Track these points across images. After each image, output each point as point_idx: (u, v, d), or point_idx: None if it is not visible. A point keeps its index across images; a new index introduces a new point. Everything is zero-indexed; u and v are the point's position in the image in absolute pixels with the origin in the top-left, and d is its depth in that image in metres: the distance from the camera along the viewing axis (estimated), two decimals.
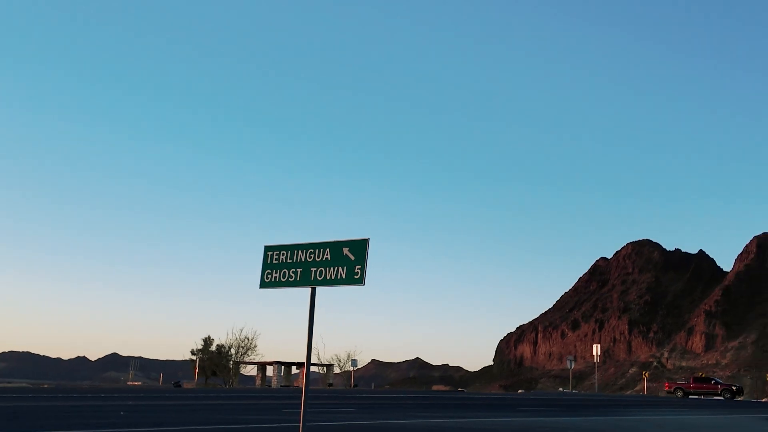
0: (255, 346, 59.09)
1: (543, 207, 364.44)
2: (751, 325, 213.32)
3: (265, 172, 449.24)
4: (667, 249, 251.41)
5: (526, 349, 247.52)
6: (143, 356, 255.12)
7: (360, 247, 10.63)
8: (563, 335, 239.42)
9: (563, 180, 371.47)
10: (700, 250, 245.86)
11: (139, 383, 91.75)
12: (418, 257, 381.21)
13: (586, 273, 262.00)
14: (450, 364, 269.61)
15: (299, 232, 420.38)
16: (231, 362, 57.94)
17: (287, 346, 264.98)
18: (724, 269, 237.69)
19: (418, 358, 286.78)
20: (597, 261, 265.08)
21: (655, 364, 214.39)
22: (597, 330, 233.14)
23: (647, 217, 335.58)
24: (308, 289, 11.20)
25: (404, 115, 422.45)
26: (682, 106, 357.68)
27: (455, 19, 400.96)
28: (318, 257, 11.11)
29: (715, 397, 54.51)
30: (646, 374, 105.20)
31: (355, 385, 68.06)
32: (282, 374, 58.09)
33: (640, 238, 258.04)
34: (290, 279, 11.39)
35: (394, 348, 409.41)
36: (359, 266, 10.57)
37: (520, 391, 78.38)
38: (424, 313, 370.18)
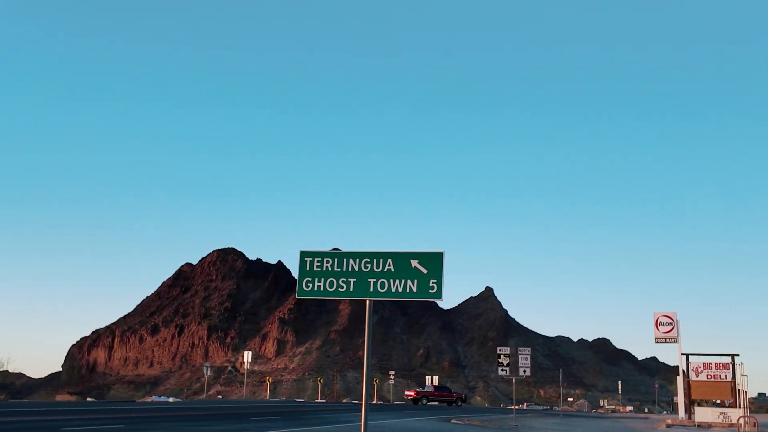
0: None
1: (127, 210, 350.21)
2: (317, 332, 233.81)
3: None
4: (250, 258, 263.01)
5: (100, 355, 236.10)
6: None
7: (435, 261, 10.47)
8: (142, 340, 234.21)
9: (151, 185, 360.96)
10: (279, 261, 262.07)
11: None
12: None
13: (170, 278, 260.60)
14: (9, 371, 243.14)
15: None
16: None
17: None
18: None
19: None
20: (182, 266, 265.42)
21: (229, 368, 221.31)
22: (176, 335, 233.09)
23: (233, 227, 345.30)
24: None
25: None
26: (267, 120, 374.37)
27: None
28: (377, 267, 10.62)
29: (451, 404, 59.79)
30: (269, 378, 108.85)
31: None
32: None
33: (226, 246, 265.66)
34: (340, 289, 10.67)
35: None
36: (434, 280, 10.42)
37: (152, 398, 75.27)
38: None
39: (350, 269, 10.69)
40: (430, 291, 10.38)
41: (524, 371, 37.95)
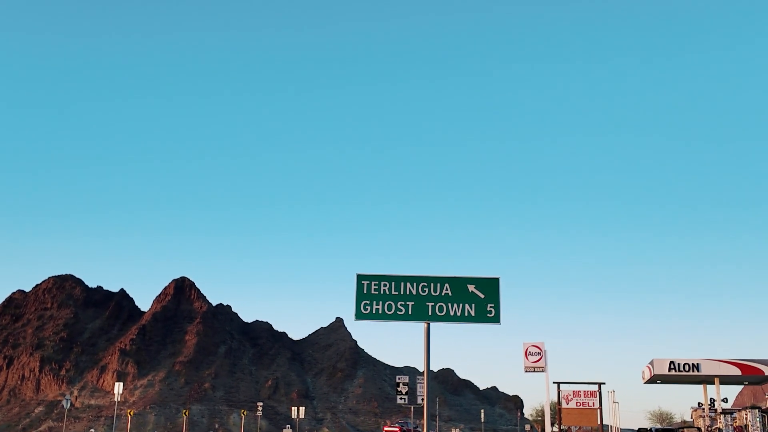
0: None
1: None
2: (161, 363, 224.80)
3: None
4: (90, 286, 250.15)
5: None
6: None
7: (491, 286, 10.65)
8: None
9: None
10: (122, 289, 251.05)
11: None
12: None
13: (0, 306, 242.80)
14: None
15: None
16: None
17: None
18: (143, 309, 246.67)
19: None
20: (13, 293, 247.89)
21: (62, 402, 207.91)
22: (5, 367, 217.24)
23: (72, 252, 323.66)
24: None
25: None
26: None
27: None
28: (434, 291, 10.67)
29: None
30: (131, 411, 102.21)
31: None
32: None
33: (63, 273, 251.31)
34: (398, 312, 10.61)
35: None
36: (492, 305, 10.61)
37: None
38: None
39: (408, 292, 10.67)
40: (488, 315, 10.58)
41: (422, 399, 38.49)
